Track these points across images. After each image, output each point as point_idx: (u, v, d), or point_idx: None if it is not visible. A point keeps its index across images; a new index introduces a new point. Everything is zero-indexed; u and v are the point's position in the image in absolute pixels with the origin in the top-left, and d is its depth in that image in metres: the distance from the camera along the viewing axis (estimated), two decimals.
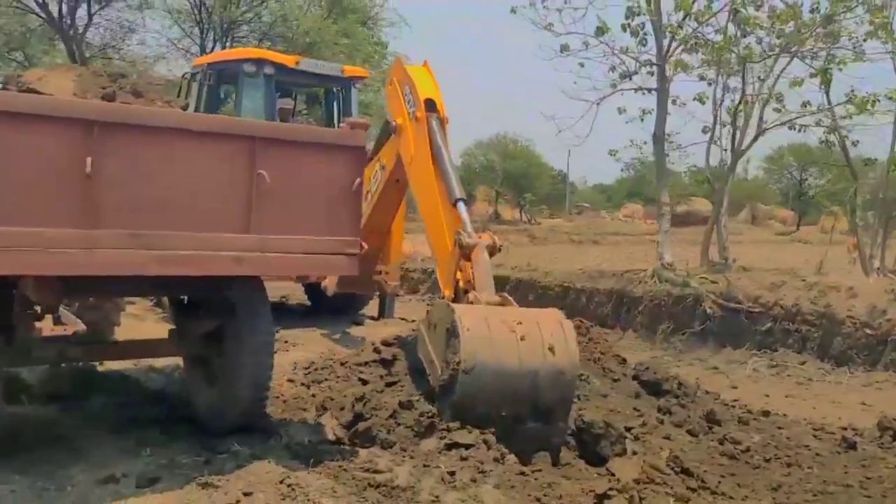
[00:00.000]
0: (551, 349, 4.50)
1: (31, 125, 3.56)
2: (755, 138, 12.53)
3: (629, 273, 13.15)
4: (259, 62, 9.38)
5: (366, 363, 6.21)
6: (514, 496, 4.02)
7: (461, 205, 5.60)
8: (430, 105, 6.22)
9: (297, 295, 11.43)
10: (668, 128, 12.96)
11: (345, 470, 4.42)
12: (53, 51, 18.85)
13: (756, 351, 10.28)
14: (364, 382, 5.88)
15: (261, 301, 4.97)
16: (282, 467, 4.32)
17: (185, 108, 5.06)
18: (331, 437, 5.02)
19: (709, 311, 11.02)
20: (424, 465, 4.44)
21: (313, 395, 5.89)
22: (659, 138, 12.94)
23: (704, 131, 12.74)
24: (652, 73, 12.81)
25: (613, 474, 4.94)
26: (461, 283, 5.36)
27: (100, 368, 6.59)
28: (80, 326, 5.96)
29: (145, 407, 5.60)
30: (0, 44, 17.53)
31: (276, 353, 7.61)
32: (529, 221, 49.71)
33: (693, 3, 11.77)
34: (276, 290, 11.59)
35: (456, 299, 5.29)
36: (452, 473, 4.31)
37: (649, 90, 12.93)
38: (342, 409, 5.22)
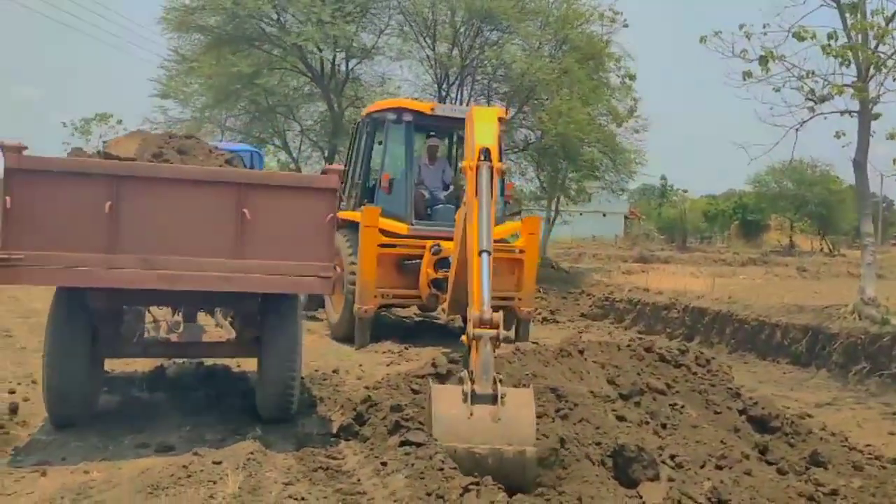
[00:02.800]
0: (506, 476, 4.82)
1: (68, 180, 5.05)
2: None
3: (829, 308, 12.33)
4: (398, 110, 10.67)
5: (423, 375, 7.03)
6: (414, 484, 4.61)
7: (484, 256, 5.81)
8: (486, 154, 6.39)
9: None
10: None
11: (312, 454, 5.34)
12: (314, 105, 22.14)
13: None
14: (415, 392, 6.70)
15: (289, 316, 6.07)
16: (261, 446, 5.34)
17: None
18: (333, 430, 5.95)
19: None
20: (375, 457, 5.21)
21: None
22: (860, 164, 12.01)
23: None
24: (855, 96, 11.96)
25: (641, 497, 5.26)
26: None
27: (235, 369, 8.20)
28: (232, 335, 7.56)
29: (234, 398, 6.95)
30: (273, 101, 20.96)
31: (388, 364, 8.81)
32: (831, 253, 45.77)
33: (887, 24, 10.90)
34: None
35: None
36: (385, 464, 5.04)
37: (851, 113, 12.09)
38: (354, 408, 6.12)
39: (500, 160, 6.94)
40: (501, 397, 4.92)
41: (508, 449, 4.88)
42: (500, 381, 5.07)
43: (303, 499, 4.59)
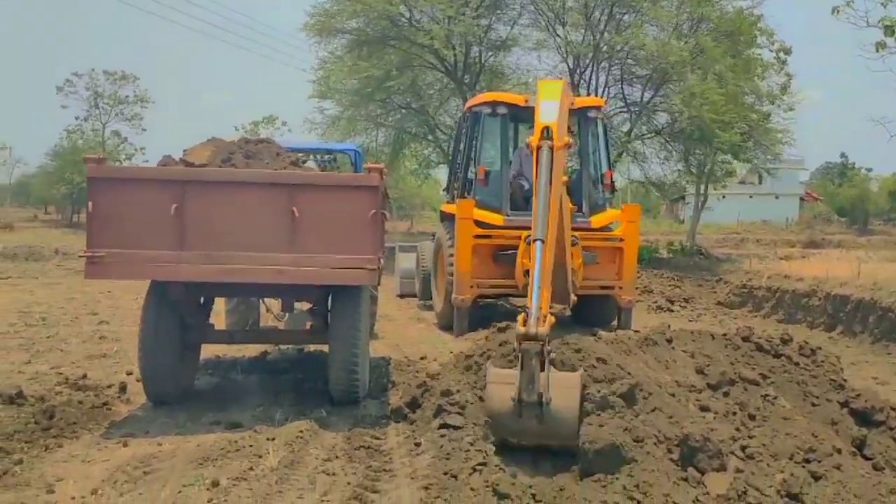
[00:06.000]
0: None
1: (139, 185, 5.71)
2: None
3: None
4: (493, 104, 10.87)
5: (489, 356, 7.21)
6: (436, 463, 4.87)
7: (538, 245, 5.62)
8: (548, 132, 6.18)
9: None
10: None
11: (360, 434, 5.71)
12: (453, 100, 22.57)
13: None
14: (477, 370, 6.90)
15: (352, 306, 6.46)
16: (315, 425, 5.79)
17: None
18: (387, 412, 6.30)
19: None
20: (414, 438, 5.50)
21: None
22: None
23: None
24: None
25: (705, 487, 5.29)
26: None
27: None
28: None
29: (316, 382, 7.44)
30: (405, 100, 21.62)
31: None
32: None
33: None
34: None
35: None
36: (419, 444, 5.33)
37: None
38: (411, 393, 6.42)
39: (567, 134, 6.71)
40: (546, 403, 4.99)
41: (554, 444, 5.06)
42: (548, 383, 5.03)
43: (333, 473, 4.97)
